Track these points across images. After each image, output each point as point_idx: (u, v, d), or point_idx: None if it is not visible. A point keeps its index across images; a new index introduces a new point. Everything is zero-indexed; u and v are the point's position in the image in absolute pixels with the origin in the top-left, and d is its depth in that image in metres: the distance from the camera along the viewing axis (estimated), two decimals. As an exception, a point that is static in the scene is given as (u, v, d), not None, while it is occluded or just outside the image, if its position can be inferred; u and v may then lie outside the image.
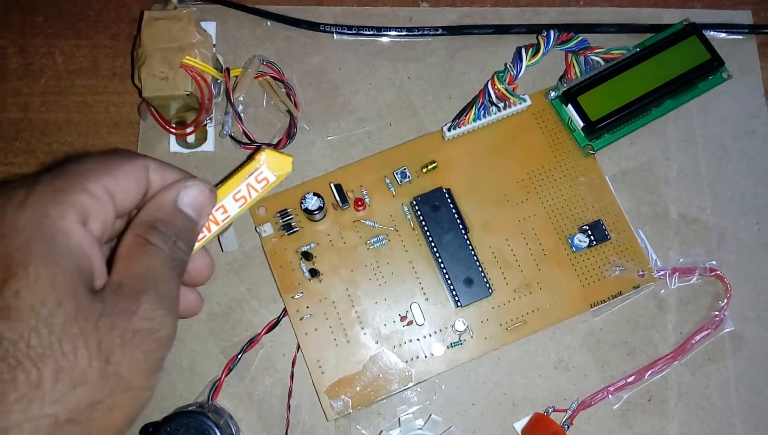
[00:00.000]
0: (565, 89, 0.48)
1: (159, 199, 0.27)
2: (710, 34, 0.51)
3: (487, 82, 0.46)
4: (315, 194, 0.44)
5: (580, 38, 0.48)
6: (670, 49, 0.48)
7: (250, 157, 0.32)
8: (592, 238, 0.45)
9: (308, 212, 0.44)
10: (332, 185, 0.45)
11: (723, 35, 0.51)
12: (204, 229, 0.30)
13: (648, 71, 0.48)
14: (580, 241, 0.45)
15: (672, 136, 0.49)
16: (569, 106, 0.47)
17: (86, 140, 0.50)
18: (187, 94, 0.44)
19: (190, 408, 0.42)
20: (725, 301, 0.45)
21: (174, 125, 0.48)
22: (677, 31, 0.48)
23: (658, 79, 0.47)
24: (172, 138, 0.49)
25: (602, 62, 0.48)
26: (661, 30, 0.50)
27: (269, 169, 0.32)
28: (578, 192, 0.47)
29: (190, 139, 0.49)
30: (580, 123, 0.47)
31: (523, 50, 0.46)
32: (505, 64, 0.47)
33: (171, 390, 0.45)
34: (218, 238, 0.46)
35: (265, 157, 0.31)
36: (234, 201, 0.31)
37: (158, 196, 0.28)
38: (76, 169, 0.25)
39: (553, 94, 0.48)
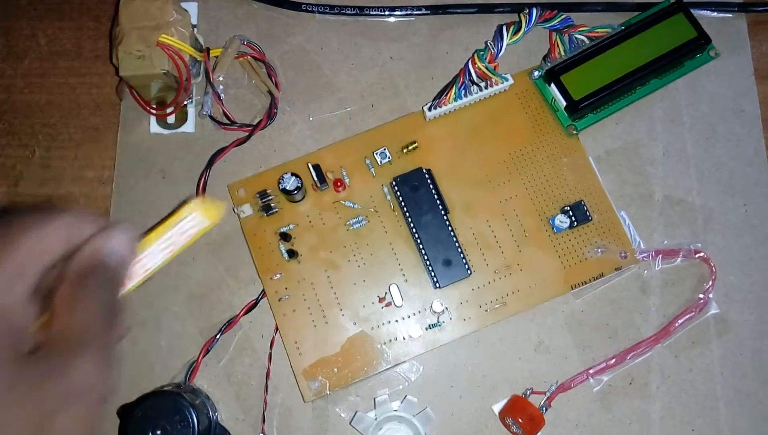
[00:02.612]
0: (548, 68, 0.47)
1: (84, 251, 0.27)
2: (699, 12, 0.49)
3: (468, 60, 0.46)
4: (293, 174, 0.44)
5: (563, 16, 0.47)
6: (655, 27, 0.47)
7: (181, 204, 0.32)
8: (573, 219, 0.45)
9: (286, 193, 0.44)
10: (310, 165, 0.45)
11: (712, 13, 0.50)
12: (135, 273, 0.30)
13: (633, 50, 0.47)
14: (561, 221, 0.45)
15: (658, 115, 0.48)
16: (552, 85, 0.47)
17: (68, 121, 0.50)
18: (164, 73, 0.44)
19: (166, 388, 0.42)
20: (710, 283, 0.45)
21: (154, 106, 0.48)
22: (663, 9, 0.48)
23: (644, 58, 0.46)
24: (153, 119, 0.49)
25: (587, 41, 0.48)
26: (647, 8, 0.49)
27: (199, 216, 0.32)
28: (561, 173, 0.46)
29: (171, 119, 0.49)
30: (563, 102, 0.46)
31: (504, 28, 0.46)
32: (486, 42, 0.46)
33: (149, 371, 0.45)
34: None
35: (195, 204, 0.32)
36: (160, 247, 0.31)
37: (83, 248, 0.27)
38: (0, 232, 0.25)
39: (536, 73, 0.48)
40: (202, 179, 0.46)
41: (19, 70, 0.51)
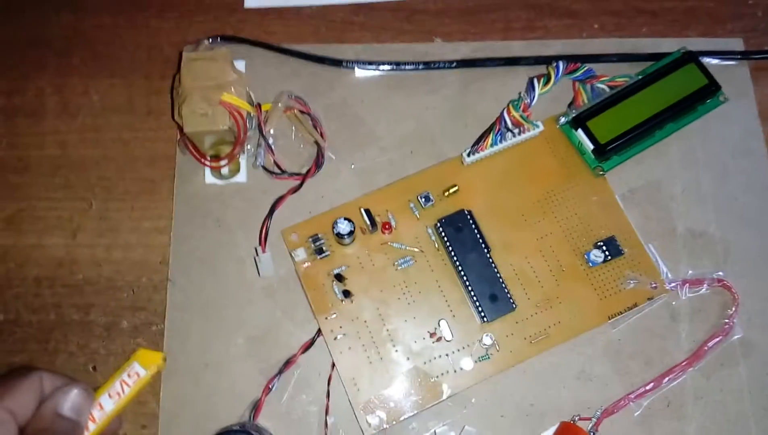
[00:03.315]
0: (574, 115, 0.51)
1: (42, 409, 0.31)
2: (706, 60, 0.54)
3: (503, 110, 0.50)
4: (346, 219, 0.47)
5: (586, 67, 0.51)
6: (670, 76, 0.52)
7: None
8: (607, 253, 0.48)
9: (339, 236, 0.47)
10: (362, 210, 0.48)
11: (717, 61, 0.55)
12: (90, 424, 0.36)
13: (650, 97, 0.51)
14: (596, 256, 0.48)
15: (675, 156, 0.53)
16: (579, 130, 0.51)
17: (123, 174, 0.53)
18: (226, 129, 0.47)
19: (233, 428, 0.44)
20: (733, 309, 0.48)
21: (209, 158, 0.51)
22: (676, 59, 0.52)
23: (660, 104, 0.51)
24: (207, 170, 0.52)
25: (607, 89, 0.52)
26: (660, 58, 0.54)
27: (140, 366, 0.38)
28: (591, 210, 0.50)
29: (224, 171, 0.51)
30: (590, 146, 0.50)
31: (535, 80, 0.50)
32: (519, 93, 0.50)
33: (212, 412, 0.47)
34: (256, 264, 0.48)
35: (136, 355, 0.38)
36: (109, 398, 0.37)
37: (42, 406, 0.31)
38: None
39: (563, 119, 0.52)
40: (264, 226, 0.49)
41: (73, 126, 0.54)
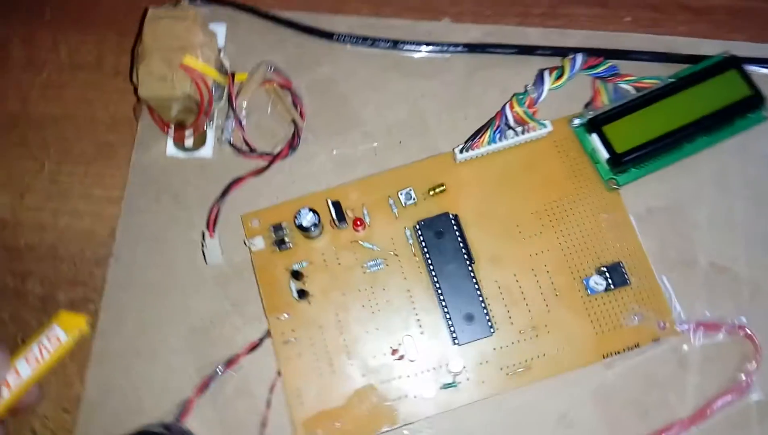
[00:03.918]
0: (590, 117, 0.44)
1: None
2: (752, 68, 0.46)
3: (506, 103, 0.43)
4: (311, 210, 0.41)
5: (609, 64, 0.44)
6: (707, 82, 0.44)
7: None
8: (609, 281, 0.41)
9: (302, 229, 0.41)
10: (329, 202, 0.42)
11: (766, 71, 0.47)
12: (3, 390, 0.33)
13: (682, 104, 0.44)
14: (596, 283, 0.41)
15: (705, 175, 0.45)
16: (594, 135, 0.44)
17: (82, 136, 0.48)
18: (185, 96, 0.42)
19: (152, 428, 0.39)
20: (754, 364, 0.41)
21: (173, 127, 0.46)
22: (716, 64, 0.45)
23: (693, 113, 0.43)
24: (170, 140, 0.46)
25: (633, 91, 0.45)
26: (698, 61, 0.46)
27: (61, 330, 0.34)
28: (598, 229, 0.43)
29: (188, 143, 0.46)
30: (604, 154, 0.43)
31: (546, 73, 0.43)
32: (526, 86, 0.43)
33: (138, 405, 0.42)
34: (202, 250, 0.43)
35: (57, 317, 0.34)
36: (27, 363, 0.33)
37: None
38: None
39: (577, 121, 0.45)
40: (215, 208, 0.43)
41: (36, 81, 0.50)
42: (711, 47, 0.48)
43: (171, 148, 0.46)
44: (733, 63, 0.45)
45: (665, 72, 0.46)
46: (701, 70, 0.45)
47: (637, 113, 0.44)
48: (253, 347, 0.42)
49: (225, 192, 0.44)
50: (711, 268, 0.43)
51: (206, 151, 0.46)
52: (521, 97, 0.43)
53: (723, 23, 0.50)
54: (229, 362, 0.42)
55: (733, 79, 0.44)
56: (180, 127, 0.46)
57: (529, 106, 0.43)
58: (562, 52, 0.47)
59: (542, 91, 0.42)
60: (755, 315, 0.42)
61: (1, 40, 0.51)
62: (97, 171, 0.47)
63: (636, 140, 0.43)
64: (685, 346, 0.41)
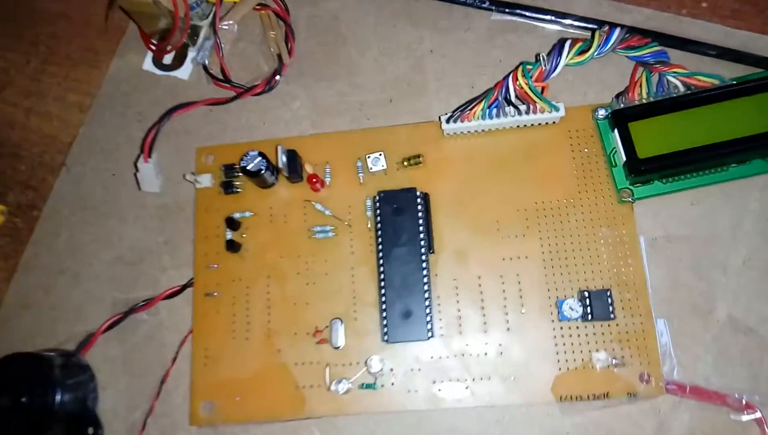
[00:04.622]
0: (617, 108, 0.36)
1: None
2: None
3: (509, 73, 0.35)
4: (260, 154, 0.36)
5: (657, 48, 0.36)
6: (779, 93, 0.34)
7: None
8: (588, 310, 0.33)
9: (248, 173, 0.36)
10: (280, 149, 0.36)
11: None
12: None
13: (739, 113, 0.34)
14: (570, 308, 0.34)
15: (753, 209, 0.36)
16: (616, 131, 0.35)
17: (72, 38, 0.46)
18: (154, 3, 0.37)
19: (50, 353, 0.36)
20: (758, 456, 0.32)
21: (154, 42, 0.42)
22: (800, 71, 0.35)
23: (751, 128, 0.34)
24: (150, 55, 0.43)
25: (681, 87, 0.36)
26: (779, 66, 0.36)
27: None
28: (595, 246, 0.35)
29: (168, 59, 0.43)
30: (623, 157, 0.35)
31: (568, 43, 0.35)
32: (538, 55, 0.35)
33: (50, 327, 0.39)
34: (135, 175, 0.39)
35: None
36: None
37: None
38: None
39: (602, 112, 0.36)
40: (152, 132, 0.39)
41: (47, -27, 0.48)
42: (803, 53, 0.38)
43: (148, 63, 0.43)
44: (823, 75, 0.34)
45: (730, 73, 0.36)
46: (776, 77, 0.35)
47: (677, 114, 0.35)
48: (174, 293, 0.38)
49: (166, 115, 0.40)
50: (730, 323, 0.34)
51: (183, 72, 0.42)
52: (529, 67, 0.35)
53: (829, 27, 0.39)
54: (147, 303, 0.38)
55: (818, 95, 0.34)
56: (162, 41, 0.42)
57: (537, 81, 0.35)
58: (606, 26, 0.38)
59: (557, 64, 0.35)
60: (773, 395, 0.33)
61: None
62: (77, 76, 0.45)
63: (667, 146, 0.34)
64: (670, 412, 0.33)
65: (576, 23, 0.39)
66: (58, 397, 0.34)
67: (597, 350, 0.33)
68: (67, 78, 0.45)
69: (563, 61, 0.35)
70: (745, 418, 0.32)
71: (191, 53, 0.42)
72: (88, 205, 0.41)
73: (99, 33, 0.45)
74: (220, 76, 0.41)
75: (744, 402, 0.32)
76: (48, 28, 0.46)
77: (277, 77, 0.41)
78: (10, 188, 0.43)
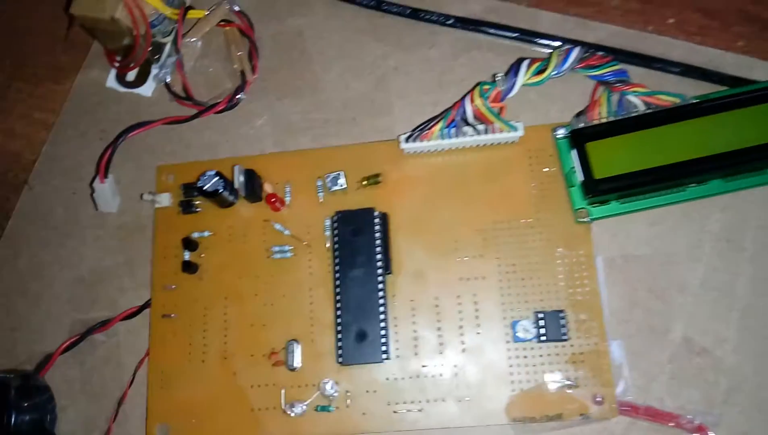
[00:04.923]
0: (576, 128, 0.35)
1: None
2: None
3: (467, 93, 0.35)
4: (218, 174, 0.36)
5: (617, 67, 0.35)
6: (740, 111, 0.34)
7: None
8: (541, 331, 0.33)
9: (204, 194, 0.36)
10: (237, 169, 0.36)
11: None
12: None
13: (700, 133, 0.34)
14: (525, 330, 0.33)
15: (713, 230, 0.35)
16: (574, 151, 0.35)
17: (39, 56, 0.46)
18: (112, 20, 0.37)
19: (6, 375, 0.36)
20: (709, 481, 0.31)
21: (118, 59, 0.42)
22: (759, 90, 0.34)
23: (710, 147, 0.34)
24: (113, 72, 0.43)
25: (641, 106, 0.35)
26: (742, 85, 0.36)
27: None
28: (552, 266, 0.35)
29: (131, 76, 0.43)
30: (580, 177, 0.35)
31: (525, 63, 0.35)
32: (495, 76, 0.35)
33: (10, 347, 0.39)
34: (91, 195, 0.39)
35: None
36: None
37: None
38: None
39: (560, 132, 0.36)
40: (108, 152, 0.39)
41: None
42: (767, 72, 0.37)
43: (111, 80, 0.43)
44: (785, 93, 0.34)
45: (694, 91, 0.36)
46: (738, 96, 0.34)
47: (635, 134, 0.34)
48: (132, 314, 0.38)
49: (123, 134, 0.40)
50: (685, 344, 0.34)
51: (146, 89, 0.42)
52: (486, 88, 0.35)
53: (795, 44, 0.39)
54: (105, 324, 0.38)
55: (777, 114, 0.34)
56: (125, 58, 0.42)
57: (494, 101, 0.35)
58: (572, 44, 0.38)
59: (513, 84, 0.34)
60: (727, 417, 0.32)
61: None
62: (42, 93, 0.45)
63: (624, 166, 0.34)
64: (622, 433, 0.33)
65: (541, 41, 0.39)
66: (13, 419, 0.34)
67: (551, 371, 0.33)
68: (32, 95, 0.45)
69: (520, 81, 0.34)
70: (700, 440, 0.32)
71: (154, 70, 0.42)
72: (49, 225, 0.41)
73: (65, 49, 0.45)
74: (183, 94, 0.41)
75: (697, 424, 0.32)
76: (16, 42, 0.46)
77: (240, 95, 0.41)
78: (-27, 207, 0.43)
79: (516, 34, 0.40)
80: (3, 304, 0.40)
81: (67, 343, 0.37)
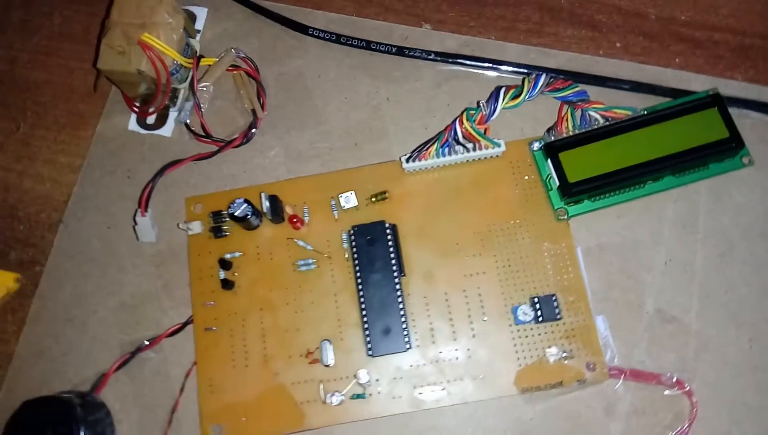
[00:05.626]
0: (548, 142, 0.42)
1: None
2: (743, 111, 0.43)
3: (456, 118, 0.42)
4: (245, 201, 0.41)
5: (577, 88, 0.42)
6: (682, 119, 0.41)
7: None
8: (538, 313, 0.39)
9: (235, 219, 0.41)
10: (263, 195, 0.41)
11: (760, 115, 0.44)
12: None
13: (651, 139, 0.41)
14: (524, 313, 0.39)
15: (669, 217, 0.42)
16: (549, 161, 0.42)
17: (58, 103, 0.49)
18: (139, 73, 0.42)
19: (65, 395, 0.40)
20: (686, 424, 0.38)
21: (137, 104, 0.47)
22: (697, 100, 0.42)
23: (662, 150, 0.41)
24: (134, 116, 0.47)
25: (600, 120, 0.42)
26: (681, 96, 0.43)
27: None
28: (539, 259, 0.41)
29: (150, 120, 0.47)
30: (557, 182, 0.41)
31: (503, 90, 0.41)
32: (479, 102, 0.42)
33: (62, 371, 0.43)
34: (134, 227, 0.43)
35: None
36: None
37: None
38: None
39: (536, 145, 0.43)
40: (148, 188, 0.44)
41: (28, 44, 0.51)
42: (702, 83, 0.45)
43: (133, 124, 0.47)
44: (716, 102, 0.42)
45: (644, 104, 0.43)
46: (679, 106, 0.42)
47: (598, 143, 0.41)
48: (176, 331, 0.42)
49: (160, 172, 0.44)
50: (657, 315, 0.40)
51: (166, 130, 0.47)
52: (472, 112, 0.41)
53: (721, 59, 0.47)
54: (152, 341, 0.42)
55: (713, 119, 0.41)
56: (145, 104, 0.46)
57: (480, 123, 0.41)
58: (537, 71, 0.45)
59: (495, 108, 0.41)
60: (697, 372, 0.39)
61: (4, 2, 0.53)
62: (65, 138, 0.48)
63: (592, 171, 0.41)
64: (615, 393, 0.39)
65: (509, 68, 0.46)
66: (82, 434, 0.38)
67: (549, 347, 0.39)
68: (55, 141, 0.49)
69: (500, 105, 0.41)
70: (677, 392, 0.39)
71: (172, 113, 0.47)
72: (88, 258, 0.45)
73: (82, 97, 0.49)
74: (202, 133, 0.46)
75: (675, 380, 0.39)
76: (34, 94, 0.50)
77: (253, 130, 0.46)
78: (11, 247, 0.46)
79: (488, 64, 0.46)
80: (52, 332, 0.43)
81: (120, 361, 0.41)
